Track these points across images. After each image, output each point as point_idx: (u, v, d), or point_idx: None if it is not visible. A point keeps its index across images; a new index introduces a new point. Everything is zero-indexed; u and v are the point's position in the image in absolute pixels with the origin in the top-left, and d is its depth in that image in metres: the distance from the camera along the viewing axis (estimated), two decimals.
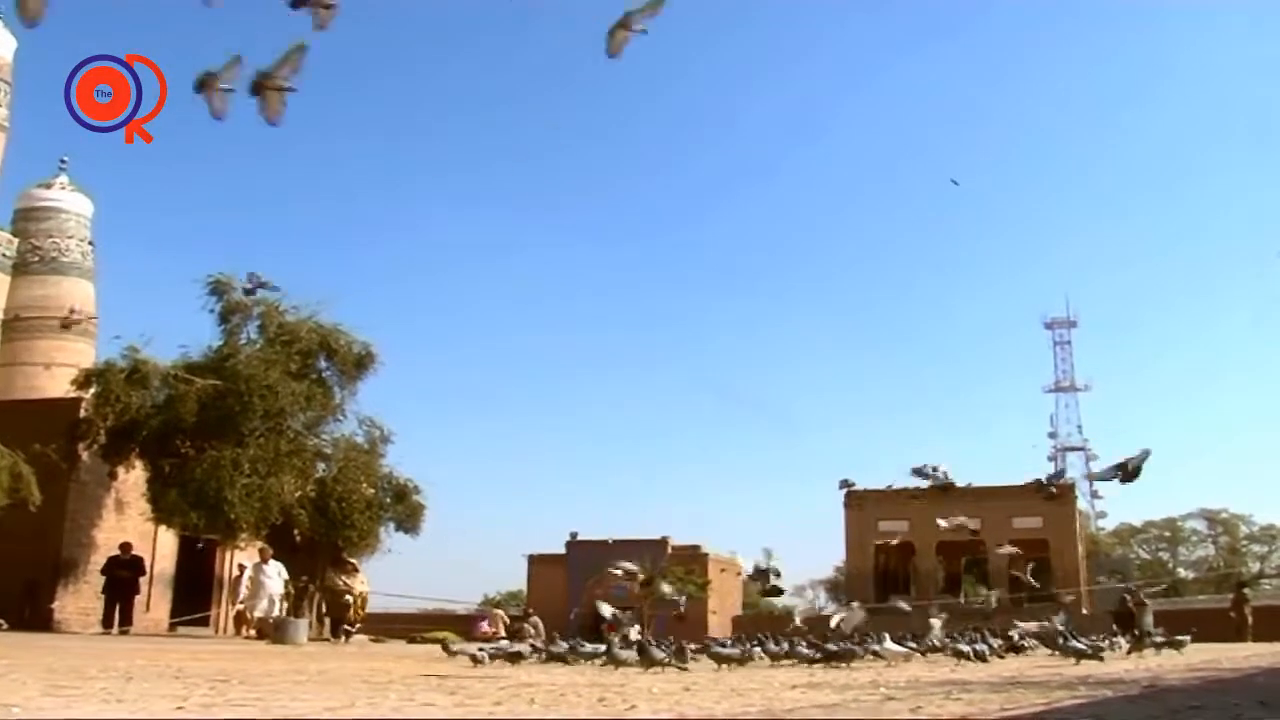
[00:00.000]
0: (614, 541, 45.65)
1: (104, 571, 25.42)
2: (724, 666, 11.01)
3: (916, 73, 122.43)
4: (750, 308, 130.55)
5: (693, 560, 56.05)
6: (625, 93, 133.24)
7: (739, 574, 63.43)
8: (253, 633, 23.51)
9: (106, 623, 24.68)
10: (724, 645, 13.61)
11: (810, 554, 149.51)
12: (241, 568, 26.41)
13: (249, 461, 23.61)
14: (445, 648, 13.83)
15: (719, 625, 47.66)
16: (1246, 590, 37.14)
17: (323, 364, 26.68)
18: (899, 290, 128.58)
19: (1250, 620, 31.94)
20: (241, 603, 24.88)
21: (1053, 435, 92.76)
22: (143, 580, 26.01)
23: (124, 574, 25.03)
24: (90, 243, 54.50)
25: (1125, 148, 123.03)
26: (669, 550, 57.98)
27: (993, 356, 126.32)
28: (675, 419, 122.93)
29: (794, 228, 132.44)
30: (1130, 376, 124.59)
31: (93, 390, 25.16)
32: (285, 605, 22.83)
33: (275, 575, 23.38)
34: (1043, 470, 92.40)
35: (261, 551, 24.08)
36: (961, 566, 41.84)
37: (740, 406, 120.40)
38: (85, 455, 25.62)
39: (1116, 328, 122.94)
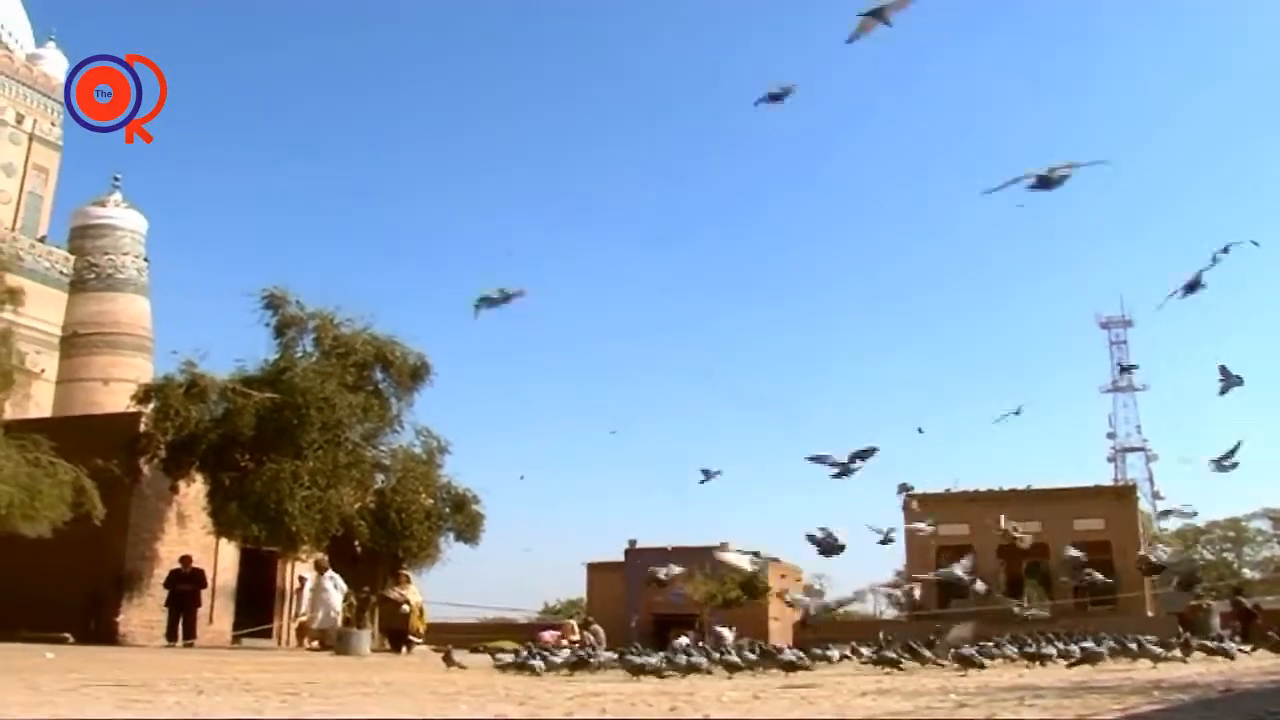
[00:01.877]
0: (673, 548, 45.34)
1: (166, 585, 25.65)
2: (789, 674, 10.91)
3: (956, 65, 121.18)
4: (805, 309, 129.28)
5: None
6: (661, 93, 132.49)
7: (799, 580, 63.20)
8: (315, 644, 23.68)
9: (170, 635, 24.91)
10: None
11: (870, 560, 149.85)
12: (302, 580, 26.59)
13: (308, 474, 23.78)
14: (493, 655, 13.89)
15: (779, 631, 47.37)
16: None
17: (378, 375, 26.88)
18: (953, 290, 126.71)
19: None
20: (302, 614, 25.06)
21: (1111, 436, 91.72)
22: (205, 593, 26.25)
23: (185, 587, 25.23)
24: (145, 259, 55.52)
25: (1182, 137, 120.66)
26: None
27: (1048, 357, 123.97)
28: (734, 425, 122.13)
29: (844, 232, 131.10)
30: (1189, 375, 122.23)
31: (152, 405, 25.49)
32: (344, 616, 22.91)
33: (333, 587, 23.50)
34: (1104, 472, 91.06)
35: (318, 564, 24.23)
36: (1023, 569, 41.41)
37: (792, 412, 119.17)
38: (146, 469, 25.89)
39: (1173, 325, 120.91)
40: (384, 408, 26.77)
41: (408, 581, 24.53)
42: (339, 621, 22.57)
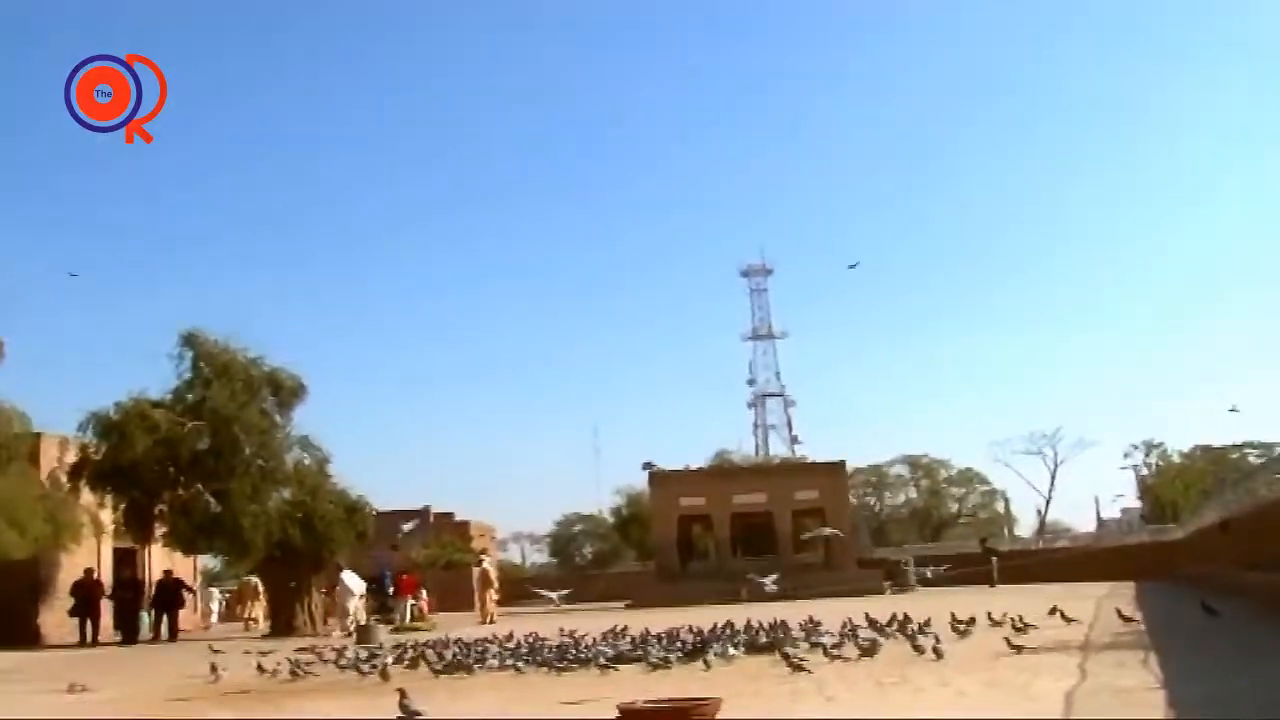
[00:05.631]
0: (378, 513, 48.38)
1: (83, 593, 29.24)
2: None
3: None
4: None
5: (453, 529, 60.43)
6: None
7: (493, 539, 68.54)
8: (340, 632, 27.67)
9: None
10: None
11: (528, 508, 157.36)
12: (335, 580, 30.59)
13: (248, 492, 28.36)
14: None
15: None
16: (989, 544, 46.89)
17: (268, 397, 31.28)
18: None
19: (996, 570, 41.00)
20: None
21: (751, 382, 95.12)
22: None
23: (127, 594, 29.49)
24: None
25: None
26: (430, 519, 62.25)
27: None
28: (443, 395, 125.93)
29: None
30: (829, 327, 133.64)
31: (89, 431, 29.02)
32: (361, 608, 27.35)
33: (350, 585, 27.86)
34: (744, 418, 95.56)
35: (337, 566, 28.64)
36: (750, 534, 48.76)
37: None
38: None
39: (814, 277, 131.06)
40: (273, 426, 31.30)
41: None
42: (355, 614, 26.98)
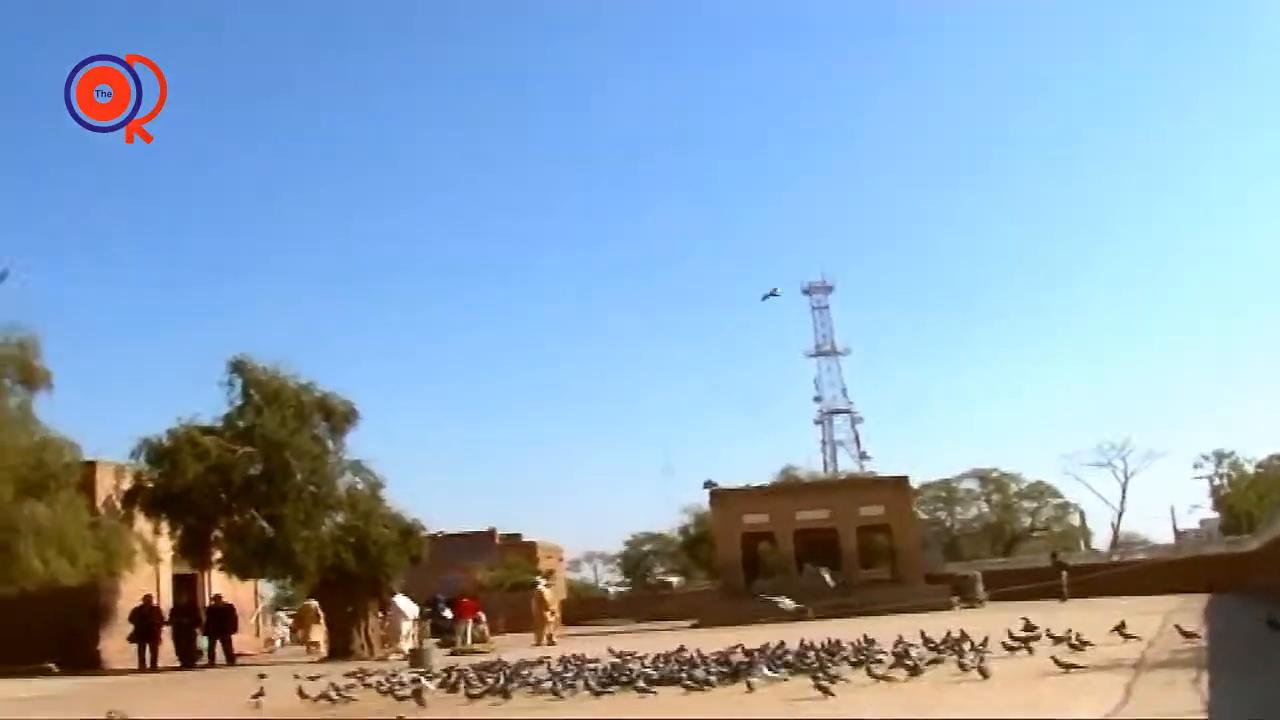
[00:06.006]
0: (443, 535, 48.48)
1: (149, 620, 29.57)
2: None
3: None
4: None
5: (518, 549, 60.33)
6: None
7: (561, 559, 68.34)
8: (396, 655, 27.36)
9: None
10: None
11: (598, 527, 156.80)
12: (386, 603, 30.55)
13: (301, 517, 28.32)
14: None
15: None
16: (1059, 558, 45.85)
17: (319, 423, 31.25)
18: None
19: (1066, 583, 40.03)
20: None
21: (818, 399, 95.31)
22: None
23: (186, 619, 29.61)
24: None
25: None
26: (495, 540, 62.18)
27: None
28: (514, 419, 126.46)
29: None
30: (893, 341, 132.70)
31: (142, 457, 29.16)
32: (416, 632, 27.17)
33: (403, 609, 27.76)
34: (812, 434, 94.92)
35: (389, 590, 28.52)
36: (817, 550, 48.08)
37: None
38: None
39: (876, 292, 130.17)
40: (324, 451, 31.24)
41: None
42: (409, 637, 26.70)
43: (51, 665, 27.67)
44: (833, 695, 11.32)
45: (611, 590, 71.33)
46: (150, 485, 28.97)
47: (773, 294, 73.97)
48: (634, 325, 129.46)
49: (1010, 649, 15.14)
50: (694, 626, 36.70)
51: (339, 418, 31.38)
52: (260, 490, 28.74)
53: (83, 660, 29.12)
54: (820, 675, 12.24)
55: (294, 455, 29.00)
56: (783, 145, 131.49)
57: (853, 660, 14.43)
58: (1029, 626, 17.15)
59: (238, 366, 30.18)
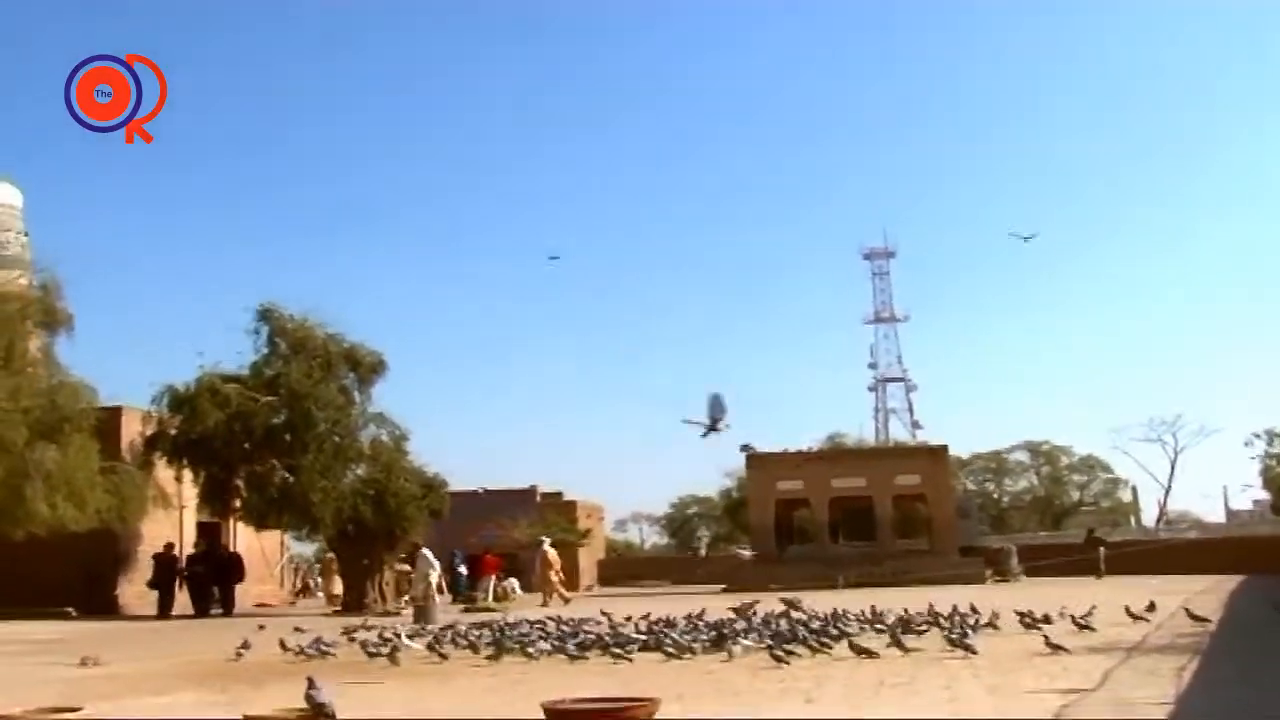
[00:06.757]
0: (484, 491, 48.87)
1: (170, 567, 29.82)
2: None
3: None
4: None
5: (559, 508, 60.32)
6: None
7: (600, 519, 68.25)
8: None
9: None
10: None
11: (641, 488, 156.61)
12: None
13: (320, 467, 28.20)
14: None
15: (587, 570, 52.33)
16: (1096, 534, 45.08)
17: (345, 374, 31.11)
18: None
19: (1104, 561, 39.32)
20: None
21: (873, 366, 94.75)
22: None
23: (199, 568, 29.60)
24: (25, 234, 56.38)
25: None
26: (537, 498, 62.24)
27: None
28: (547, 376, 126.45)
29: None
30: (950, 310, 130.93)
31: (164, 404, 29.22)
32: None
33: (426, 564, 27.57)
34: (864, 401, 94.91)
35: (415, 545, 28.35)
36: (852, 519, 47.69)
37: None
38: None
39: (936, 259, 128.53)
40: (350, 402, 31.12)
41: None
42: (429, 591, 26.54)
43: (70, 610, 27.81)
44: (786, 665, 11.13)
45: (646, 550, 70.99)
46: (172, 432, 28.93)
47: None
48: (694, 287, 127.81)
49: (1027, 626, 14.65)
50: (724, 590, 36.36)
51: (366, 369, 31.25)
52: (282, 440, 28.73)
53: (102, 605, 29.34)
54: (770, 645, 12.32)
55: (317, 405, 28.90)
56: (850, 110, 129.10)
57: (836, 631, 13.99)
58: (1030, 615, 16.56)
59: (265, 314, 30.13)
